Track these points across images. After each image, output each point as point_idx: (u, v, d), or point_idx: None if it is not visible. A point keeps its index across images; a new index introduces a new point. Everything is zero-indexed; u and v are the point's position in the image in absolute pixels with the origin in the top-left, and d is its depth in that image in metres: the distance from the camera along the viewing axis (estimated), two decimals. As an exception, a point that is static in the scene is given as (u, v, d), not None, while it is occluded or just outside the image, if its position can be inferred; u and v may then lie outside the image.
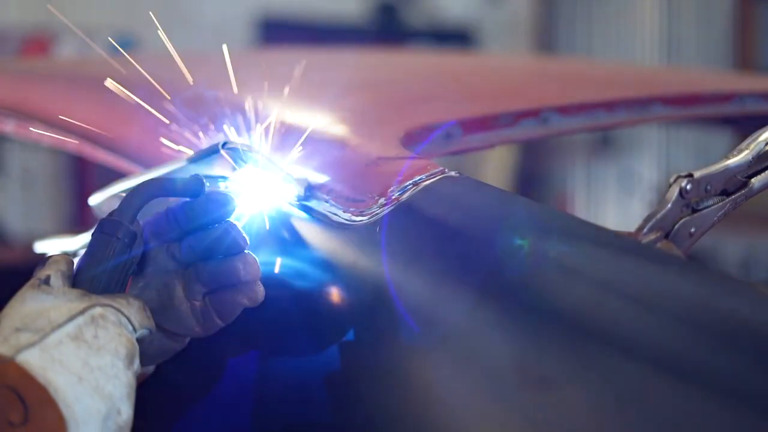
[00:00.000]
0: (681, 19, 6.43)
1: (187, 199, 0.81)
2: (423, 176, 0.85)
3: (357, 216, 0.83)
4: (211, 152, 0.85)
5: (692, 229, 0.82)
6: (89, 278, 0.75)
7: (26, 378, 0.68)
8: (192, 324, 0.82)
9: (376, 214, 0.83)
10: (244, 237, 0.81)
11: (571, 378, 0.64)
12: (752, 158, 0.85)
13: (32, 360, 0.68)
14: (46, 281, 0.73)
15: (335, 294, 0.80)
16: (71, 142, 1.25)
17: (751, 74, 4.80)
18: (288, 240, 0.86)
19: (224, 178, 0.86)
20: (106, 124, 1.22)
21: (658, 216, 0.80)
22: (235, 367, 0.85)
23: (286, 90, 1.30)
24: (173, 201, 0.96)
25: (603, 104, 1.20)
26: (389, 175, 0.86)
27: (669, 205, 0.81)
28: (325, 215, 0.85)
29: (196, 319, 0.82)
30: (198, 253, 0.82)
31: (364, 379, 0.74)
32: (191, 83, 1.00)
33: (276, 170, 0.86)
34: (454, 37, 6.66)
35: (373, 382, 0.73)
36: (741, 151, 0.86)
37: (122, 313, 0.73)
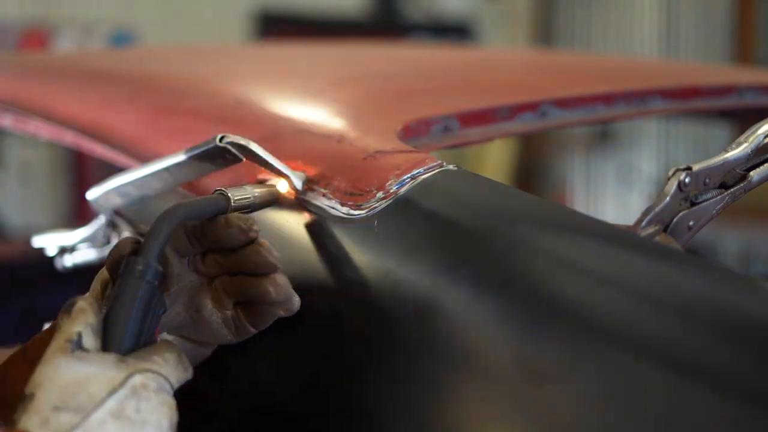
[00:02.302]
0: (680, 12, 6.43)
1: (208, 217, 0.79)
2: (421, 170, 0.85)
3: (355, 210, 0.83)
4: (210, 145, 0.85)
5: (691, 223, 0.82)
6: (121, 332, 0.71)
7: None
8: (224, 333, 0.80)
9: (374, 207, 0.83)
10: (274, 257, 0.78)
11: (570, 372, 0.64)
12: (751, 151, 0.85)
13: None
14: (79, 343, 0.68)
15: (333, 288, 0.80)
16: (70, 136, 1.25)
17: (750, 67, 4.79)
18: (285, 234, 0.86)
19: (244, 187, 0.84)
20: (105, 118, 1.22)
21: (657, 209, 0.80)
22: (240, 363, 0.85)
23: (285, 83, 1.30)
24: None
25: (602, 97, 1.20)
26: (387, 168, 0.85)
27: (667, 199, 0.81)
28: (322, 209, 0.85)
29: (228, 328, 0.80)
30: (224, 268, 0.80)
31: (364, 372, 0.74)
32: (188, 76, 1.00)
33: (273, 164, 0.86)
34: (453, 30, 6.65)
35: (373, 375, 0.73)
36: (740, 144, 0.85)
37: (161, 375, 0.70)
